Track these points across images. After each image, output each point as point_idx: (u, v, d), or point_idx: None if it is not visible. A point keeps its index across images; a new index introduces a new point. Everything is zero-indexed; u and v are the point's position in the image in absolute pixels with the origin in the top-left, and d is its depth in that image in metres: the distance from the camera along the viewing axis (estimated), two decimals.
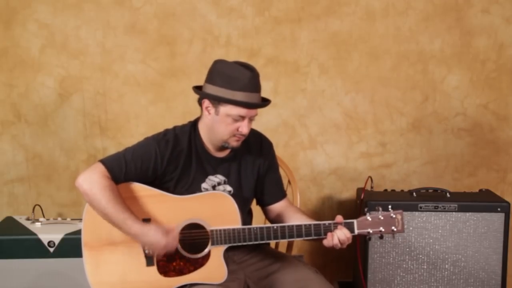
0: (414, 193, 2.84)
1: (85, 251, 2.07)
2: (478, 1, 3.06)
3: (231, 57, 2.47)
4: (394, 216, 2.04)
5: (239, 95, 2.02)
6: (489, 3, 3.06)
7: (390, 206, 2.06)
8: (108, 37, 3.07)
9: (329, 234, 2.02)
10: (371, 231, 2.03)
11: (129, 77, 3.10)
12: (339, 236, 2.00)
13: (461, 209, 2.72)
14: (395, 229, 2.04)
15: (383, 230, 2.03)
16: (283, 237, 2.06)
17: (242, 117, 2.05)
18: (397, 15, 3.07)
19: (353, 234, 2.02)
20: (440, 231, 2.74)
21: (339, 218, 2.04)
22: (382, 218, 2.03)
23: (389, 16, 3.07)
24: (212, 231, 2.06)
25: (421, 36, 3.09)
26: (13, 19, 3.04)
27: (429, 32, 3.09)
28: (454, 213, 2.72)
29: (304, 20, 3.07)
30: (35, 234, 2.64)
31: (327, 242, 2.03)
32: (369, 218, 2.03)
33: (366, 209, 2.07)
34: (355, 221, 2.03)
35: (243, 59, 2.95)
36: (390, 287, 2.77)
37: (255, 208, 2.35)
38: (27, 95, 3.10)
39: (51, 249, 2.63)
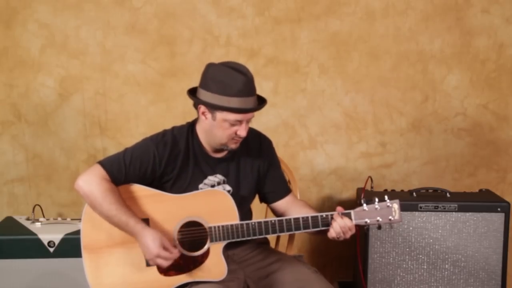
0: (414, 193, 2.84)
1: (84, 254, 2.07)
2: (478, 1, 3.06)
3: (231, 57, 2.47)
4: (390, 205, 2.05)
5: (234, 101, 2.00)
6: (489, 3, 3.06)
7: (386, 196, 2.06)
8: (108, 37, 3.06)
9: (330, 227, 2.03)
10: (368, 221, 2.04)
11: (129, 77, 3.10)
12: (339, 224, 2.01)
13: (461, 209, 2.72)
14: (392, 218, 2.04)
15: (380, 220, 2.04)
16: (282, 230, 2.06)
17: (240, 121, 2.05)
18: (397, 15, 3.07)
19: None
20: (440, 231, 2.73)
21: (338, 209, 2.05)
22: (378, 208, 2.04)
23: (389, 16, 3.07)
24: (210, 228, 2.06)
25: (421, 36, 3.09)
26: (13, 19, 3.04)
27: (429, 32, 3.09)
28: (454, 213, 2.72)
29: (304, 20, 3.07)
30: (35, 234, 2.64)
31: (330, 234, 2.04)
32: (366, 208, 2.05)
33: (362, 200, 2.07)
34: (352, 211, 2.05)
35: (243, 59, 2.98)
36: (390, 287, 2.77)
37: (255, 209, 2.35)
38: (27, 95, 3.10)
39: (51, 249, 2.63)
